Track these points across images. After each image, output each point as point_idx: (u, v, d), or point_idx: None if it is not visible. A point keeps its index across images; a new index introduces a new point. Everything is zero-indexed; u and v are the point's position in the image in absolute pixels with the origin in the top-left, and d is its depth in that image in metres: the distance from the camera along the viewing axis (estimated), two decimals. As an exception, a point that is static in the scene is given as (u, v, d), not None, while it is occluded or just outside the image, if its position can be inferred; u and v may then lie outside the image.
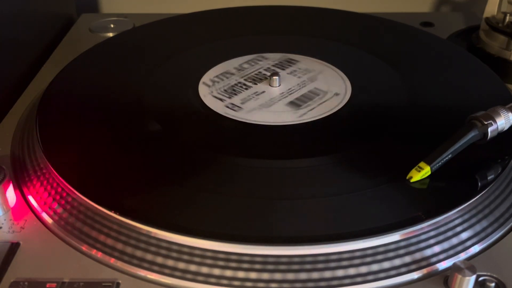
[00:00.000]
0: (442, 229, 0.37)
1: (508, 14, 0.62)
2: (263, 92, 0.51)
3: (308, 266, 0.35)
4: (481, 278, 0.35)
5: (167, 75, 0.55)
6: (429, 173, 0.39)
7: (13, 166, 0.45)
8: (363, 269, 0.35)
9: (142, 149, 0.44)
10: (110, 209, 0.37)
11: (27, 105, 0.53)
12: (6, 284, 0.34)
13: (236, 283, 0.34)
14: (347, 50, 0.59)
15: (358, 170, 0.41)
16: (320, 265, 0.35)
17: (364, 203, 0.38)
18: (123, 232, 0.37)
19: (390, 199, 0.38)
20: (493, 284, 0.34)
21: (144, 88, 0.52)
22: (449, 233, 0.37)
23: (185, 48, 0.59)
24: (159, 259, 0.36)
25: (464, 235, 0.37)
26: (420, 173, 0.39)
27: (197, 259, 0.35)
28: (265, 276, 0.35)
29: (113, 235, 0.37)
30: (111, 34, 0.68)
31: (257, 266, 0.35)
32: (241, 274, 0.35)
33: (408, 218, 0.36)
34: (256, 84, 0.53)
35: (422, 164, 0.39)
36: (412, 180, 0.39)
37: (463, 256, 0.36)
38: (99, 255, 0.37)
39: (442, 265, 0.36)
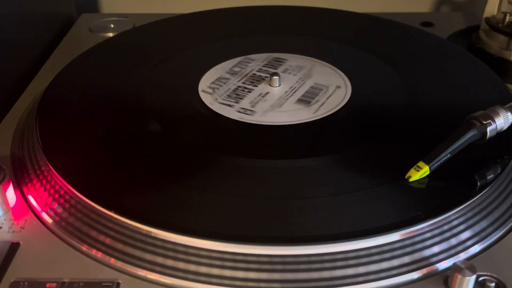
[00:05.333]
0: (442, 229, 0.37)
1: (508, 14, 0.62)
2: (268, 93, 0.51)
3: (308, 266, 0.35)
4: (481, 278, 0.34)
5: (166, 76, 0.54)
6: (428, 172, 0.39)
7: (13, 166, 0.45)
8: (363, 269, 0.35)
9: (141, 149, 0.44)
10: (110, 209, 0.37)
11: (27, 105, 0.53)
12: (6, 284, 0.34)
13: (238, 283, 0.34)
14: (338, 47, 0.59)
15: (358, 170, 0.41)
16: (320, 265, 0.35)
17: (364, 203, 0.38)
18: (123, 232, 0.37)
19: (390, 199, 0.38)
20: (493, 284, 0.34)
21: (144, 88, 0.52)
22: (449, 233, 0.37)
23: (182, 50, 0.59)
24: (159, 259, 0.36)
25: (464, 235, 0.37)
26: (419, 173, 0.39)
27: (197, 259, 0.35)
28: (266, 276, 0.34)
29: (113, 235, 0.37)
30: (111, 34, 0.68)
31: (258, 266, 0.35)
32: (241, 274, 0.35)
33: (408, 218, 0.36)
34: (256, 86, 0.52)
35: (421, 163, 0.39)
36: (410, 180, 0.39)
37: (463, 256, 0.36)
38: (99, 255, 0.37)
39: (442, 265, 0.36)
